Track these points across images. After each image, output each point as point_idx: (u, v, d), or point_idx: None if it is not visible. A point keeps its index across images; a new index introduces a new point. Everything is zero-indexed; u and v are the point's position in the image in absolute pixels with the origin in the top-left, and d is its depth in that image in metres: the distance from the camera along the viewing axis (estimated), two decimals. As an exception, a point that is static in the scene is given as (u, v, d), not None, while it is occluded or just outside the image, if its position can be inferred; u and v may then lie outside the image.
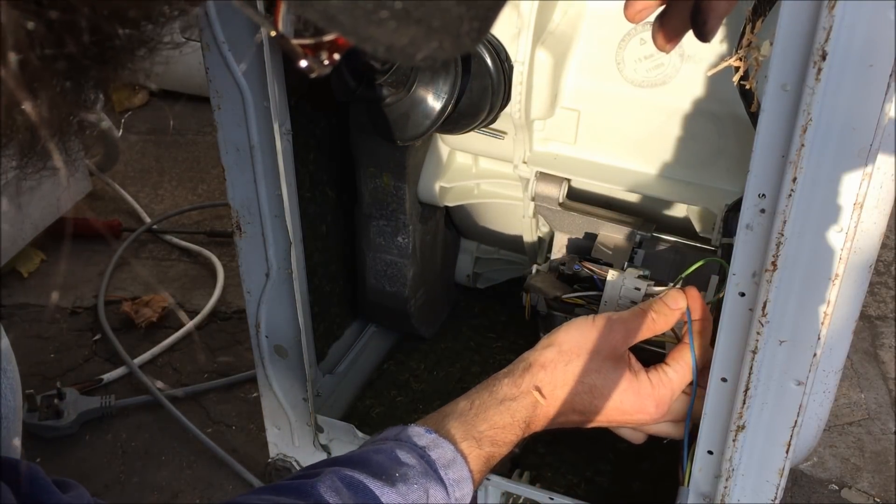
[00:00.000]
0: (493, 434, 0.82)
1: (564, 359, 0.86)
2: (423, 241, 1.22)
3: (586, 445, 1.17)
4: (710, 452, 0.90)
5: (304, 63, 0.42)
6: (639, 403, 0.87)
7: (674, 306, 0.89)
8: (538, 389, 0.84)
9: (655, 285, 0.97)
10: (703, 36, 0.66)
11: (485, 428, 0.81)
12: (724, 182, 1.01)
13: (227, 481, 1.42)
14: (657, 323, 0.88)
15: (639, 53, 0.99)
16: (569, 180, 1.08)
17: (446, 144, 1.15)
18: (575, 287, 1.02)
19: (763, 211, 0.73)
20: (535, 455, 1.16)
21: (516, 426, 0.83)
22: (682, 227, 1.08)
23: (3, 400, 0.81)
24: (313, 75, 0.43)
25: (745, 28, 0.77)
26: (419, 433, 0.79)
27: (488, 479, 1.07)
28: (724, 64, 0.76)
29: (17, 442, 0.88)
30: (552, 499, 1.05)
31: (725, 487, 0.90)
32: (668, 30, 0.70)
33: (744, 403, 0.83)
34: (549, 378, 0.85)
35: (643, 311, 0.88)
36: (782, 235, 0.73)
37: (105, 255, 1.89)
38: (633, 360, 0.89)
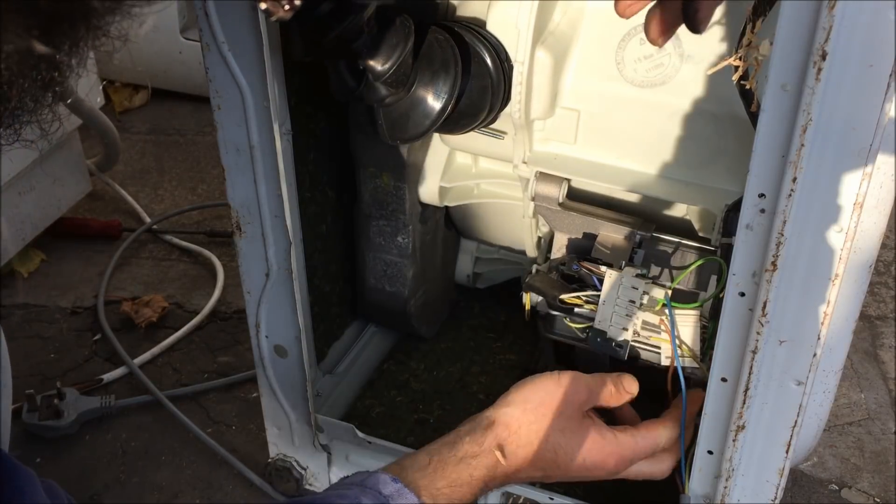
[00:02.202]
0: (449, 492, 0.81)
1: (528, 418, 0.86)
2: (423, 241, 1.22)
3: (586, 445, 1.17)
4: (710, 452, 0.90)
5: (263, 6, 0.42)
6: (600, 460, 0.88)
7: (628, 389, 0.93)
8: (500, 448, 0.84)
9: (653, 284, 0.97)
10: (695, 26, 0.66)
11: (442, 485, 0.80)
12: (724, 182, 1.01)
13: (227, 481, 1.42)
14: (612, 396, 0.92)
15: (638, 53, 0.99)
16: (569, 180, 1.08)
17: (446, 144, 1.15)
18: (574, 287, 1.03)
19: (763, 211, 0.73)
20: (535, 455, 1.16)
21: (474, 484, 0.82)
22: (682, 227, 1.08)
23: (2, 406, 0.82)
24: (273, 19, 0.43)
25: (745, 28, 0.77)
26: (385, 481, 0.78)
27: (488, 479, 1.07)
28: (724, 63, 0.76)
29: (5, 444, 0.89)
30: (552, 499, 1.05)
31: (725, 487, 0.90)
32: (660, 22, 0.69)
33: (744, 403, 0.83)
34: (513, 438, 0.85)
35: (604, 380, 0.91)
36: (782, 235, 0.73)
37: (105, 255, 1.89)
38: (596, 418, 0.91)
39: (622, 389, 0.92)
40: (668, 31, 0.70)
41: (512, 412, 0.86)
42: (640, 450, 0.90)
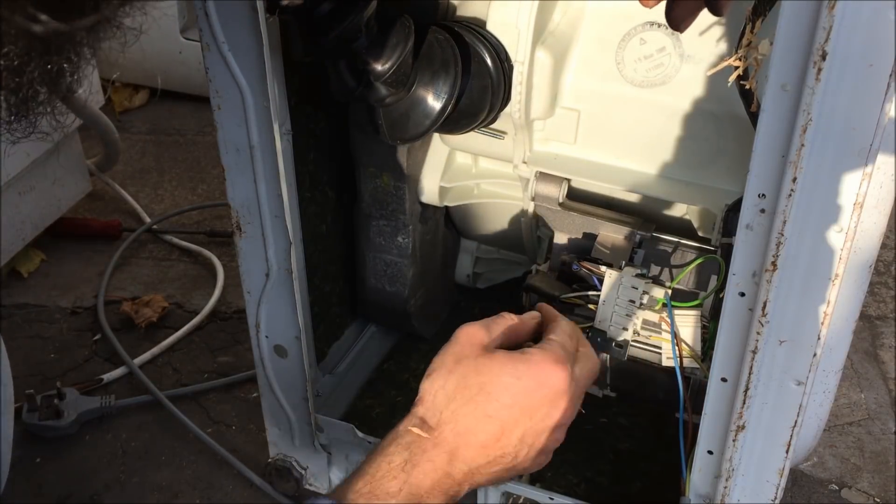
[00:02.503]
0: (370, 489, 0.73)
1: (438, 384, 0.77)
2: (423, 241, 1.22)
3: (586, 445, 1.18)
4: (710, 452, 0.90)
5: None
6: (542, 374, 0.76)
7: (529, 314, 0.85)
8: (420, 423, 0.76)
9: (653, 283, 0.97)
10: (717, 10, 0.67)
11: (360, 485, 0.73)
12: (724, 182, 1.01)
13: (228, 481, 1.42)
14: (518, 324, 0.83)
15: (639, 53, 0.99)
16: (569, 180, 1.08)
17: (446, 144, 1.15)
18: (574, 287, 1.03)
19: (763, 211, 0.73)
20: (535, 455, 1.16)
21: (395, 469, 0.74)
22: (682, 227, 1.08)
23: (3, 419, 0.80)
24: (284, 2, 0.43)
25: (745, 28, 0.77)
26: None
27: (488, 479, 1.07)
28: (724, 64, 0.76)
29: (7, 458, 0.87)
30: (552, 499, 1.05)
31: (725, 488, 0.90)
32: (683, 8, 0.69)
33: (744, 403, 0.83)
34: (431, 409, 0.77)
35: (500, 314, 0.84)
36: (782, 235, 0.73)
37: (105, 255, 1.89)
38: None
39: (523, 314, 0.84)
40: (690, 17, 0.70)
41: (422, 388, 0.78)
42: (566, 343, 0.80)
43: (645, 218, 1.08)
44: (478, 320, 0.82)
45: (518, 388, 0.76)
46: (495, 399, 0.75)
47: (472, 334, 0.80)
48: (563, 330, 0.82)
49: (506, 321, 0.82)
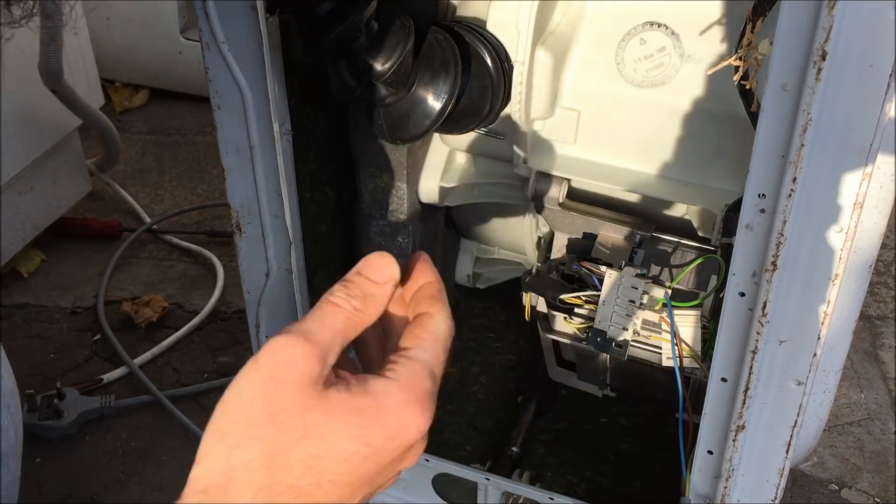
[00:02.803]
0: None
1: (239, 457, 0.51)
2: (423, 241, 1.22)
3: (586, 445, 1.18)
4: (710, 452, 0.90)
5: None
6: (393, 425, 0.51)
7: (379, 278, 0.55)
8: None
9: (653, 283, 0.97)
10: None
11: None
12: (724, 182, 1.01)
13: (227, 481, 1.42)
14: (364, 313, 0.54)
15: (639, 53, 0.99)
16: (569, 180, 1.08)
17: (446, 144, 1.15)
18: (574, 287, 1.02)
19: (763, 211, 0.73)
20: (535, 455, 1.16)
21: None
22: (682, 227, 1.08)
23: (3, 437, 0.79)
24: None
25: (745, 28, 0.77)
26: None
27: (488, 480, 1.07)
28: (724, 63, 0.76)
29: (16, 476, 0.85)
30: (552, 499, 1.05)
31: (725, 488, 0.90)
32: None
33: (744, 403, 0.83)
34: (219, 498, 0.50)
35: (330, 303, 0.53)
36: (782, 235, 0.72)
37: (105, 255, 1.89)
38: (346, 374, 0.52)
39: (370, 286, 0.54)
40: None
41: (207, 459, 0.52)
42: (433, 364, 0.53)
43: (645, 218, 1.08)
44: (295, 326, 0.51)
45: (364, 454, 0.50)
46: (329, 477, 0.50)
47: (292, 363, 0.49)
48: (435, 335, 0.55)
49: (340, 317, 0.52)
